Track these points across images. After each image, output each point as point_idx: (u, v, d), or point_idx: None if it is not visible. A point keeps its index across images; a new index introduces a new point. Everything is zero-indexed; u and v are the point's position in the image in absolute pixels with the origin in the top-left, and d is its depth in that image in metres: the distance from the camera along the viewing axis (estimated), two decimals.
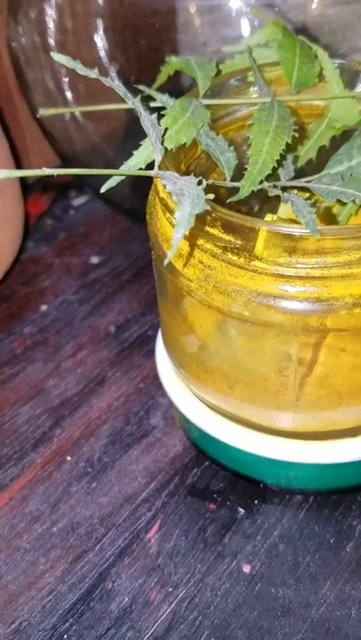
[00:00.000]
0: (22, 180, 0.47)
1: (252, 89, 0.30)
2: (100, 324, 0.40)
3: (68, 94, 0.42)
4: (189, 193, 0.20)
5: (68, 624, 0.27)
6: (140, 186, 0.31)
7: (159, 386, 0.36)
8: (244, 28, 0.36)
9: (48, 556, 0.29)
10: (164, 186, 0.21)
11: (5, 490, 0.31)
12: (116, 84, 0.23)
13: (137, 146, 0.25)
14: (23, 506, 0.31)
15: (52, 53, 0.23)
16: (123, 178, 0.24)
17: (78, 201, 0.50)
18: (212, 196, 0.20)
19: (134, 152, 0.24)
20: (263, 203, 0.31)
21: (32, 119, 0.48)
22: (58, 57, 0.23)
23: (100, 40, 0.40)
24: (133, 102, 0.23)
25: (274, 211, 0.29)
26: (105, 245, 0.46)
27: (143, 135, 0.24)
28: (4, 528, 0.30)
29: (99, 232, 0.48)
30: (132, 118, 0.45)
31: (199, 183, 0.21)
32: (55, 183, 0.51)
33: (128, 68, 0.39)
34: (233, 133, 0.30)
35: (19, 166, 0.47)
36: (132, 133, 0.46)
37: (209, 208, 0.20)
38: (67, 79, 0.42)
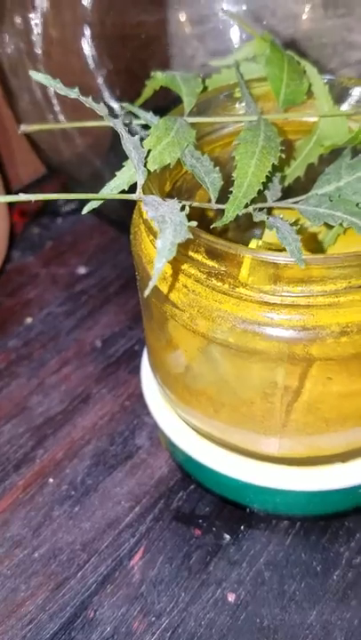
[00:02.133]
0: (8, 187, 0.46)
1: (238, 105, 0.29)
2: (86, 337, 0.40)
3: (55, 103, 0.41)
4: (172, 220, 0.20)
5: None
6: None
7: (145, 404, 0.35)
8: (234, 40, 0.35)
9: (29, 583, 0.28)
10: (146, 213, 0.20)
11: None
12: (96, 104, 0.22)
13: (123, 159, 0.24)
14: (4, 530, 0.30)
15: (30, 72, 0.22)
16: (104, 201, 0.23)
17: (66, 208, 0.49)
18: (195, 223, 0.20)
19: (117, 173, 0.24)
20: (251, 221, 0.30)
21: (18, 128, 0.47)
22: (37, 76, 0.22)
23: (87, 49, 0.40)
24: (115, 123, 0.22)
25: (262, 229, 0.28)
26: (92, 255, 0.46)
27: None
28: None
29: (86, 241, 0.47)
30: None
31: (182, 209, 0.21)
32: (42, 192, 0.50)
33: (116, 79, 0.38)
34: (219, 151, 0.29)
35: (5, 176, 0.47)
36: (118, 143, 0.46)
37: (191, 236, 0.19)
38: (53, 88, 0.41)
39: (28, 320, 0.41)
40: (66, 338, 0.40)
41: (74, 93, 0.22)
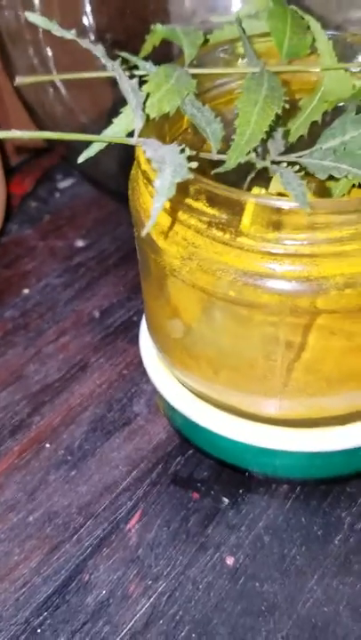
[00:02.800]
0: (5, 159, 0.46)
1: (240, 61, 0.29)
2: (84, 308, 0.39)
3: (53, 69, 0.41)
4: (171, 161, 0.19)
5: (41, 618, 0.25)
6: (127, 165, 0.29)
7: (143, 372, 0.35)
8: None
9: (23, 547, 0.27)
10: (144, 153, 0.20)
11: None
12: (95, 46, 0.22)
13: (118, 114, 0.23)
14: None
15: (26, 13, 0.22)
16: (101, 148, 0.23)
17: (64, 183, 0.49)
18: (195, 164, 0.19)
19: (114, 120, 0.23)
20: (251, 181, 0.29)
21: (17, 100, 0.47)
22: (33, 17, 0.22)
23: (85, 11, 0.39)
24: (112, 66, 0.22)
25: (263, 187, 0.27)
26: (91, 229, 0.45)
27: None
28: None
29: (84, 215, 0.46)
30: (119, 97, 0.43)
31: (182, 151, 0.20)
32: (40, 164, 0.49)
33: (115, 40, 0.38)
34: (221, 108, 0.29)
35: (2, 147, 0.46)
36: (119, 113, 0.45)
37: (192, 176, 0.19)
38: (51, 54, 0.40)
39: (25, 291, 0.40)
40: (63, 308, 0.39)
41: (70, 34, 0.22)
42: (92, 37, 0.40)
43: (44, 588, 0.26)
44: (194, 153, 0.22)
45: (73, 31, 0.22)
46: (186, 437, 0.30)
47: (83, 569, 0.26)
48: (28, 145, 0.49)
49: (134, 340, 0.37)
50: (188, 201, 0.22)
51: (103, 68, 0.42)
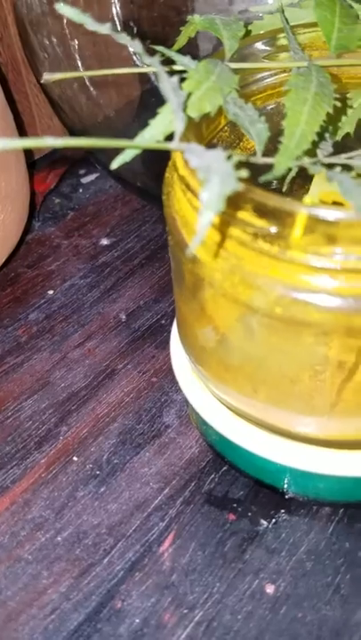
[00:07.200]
0: (28, 155, 0.44)
1: (282, 54, 0.27)
2: (110, 311, 0.38)
3: (77, 59, 0.39)
4: (218, 169, 0.17)
5: None
6: (153, 162, 0.28)
7: (173, 380, 0.33)
8: None
9: (51, 569, 0.26)
10: (188, 161, 0.18)
11: (7, 493, 0.29)
12: (133, 42, 0.20)
13: (153, 116, 0.22)
14: (25, 511, 0.28)
15: (56, 5, 0.20)
16: (137, 153, 0.21)
17: (87, 179, 0.47)
18: (245, 173, 0.17)
19: (150, 121, 0.21)
20: (282, 184, 0.27)
21: (40, 92, 0.45)
22: (64, 9, 0.20)
23: (114, 1, 0.37)
24: (151, 62, 0.20)
25: (296, 193, 0.25)
26: (115, 226, 0.44)
27: (158, 108, 0.21)
28: (5, 536, 0.27)
29: (109, 212, 0.45)
30: (145, 90, 0.41)
31: (229, 158, 0.18)
32: (64, 159, 0.48)
33: (146, 31, 0.36)
34: (260, 104, 0.27)
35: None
36: (145, 107, 0.43)
37: (241, 187, 0.17)
38: (76, 45, 0.39)
39: (50, 292, 0.39)
40: (89, 311, 0.38)
41: (105, 29, 0.20)
42: (119, 28, 0.38)
43: (75, 615, 0.25)
44: (242, 158, 0.20)
45: (108, 25, 0.20)
46: (220, 453, 0.29)
47: (115, 595, 0.25)
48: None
49: (162, 346, 0.35)
50: (233, 210, 0.20)
51: (130, 58, 0.40)
